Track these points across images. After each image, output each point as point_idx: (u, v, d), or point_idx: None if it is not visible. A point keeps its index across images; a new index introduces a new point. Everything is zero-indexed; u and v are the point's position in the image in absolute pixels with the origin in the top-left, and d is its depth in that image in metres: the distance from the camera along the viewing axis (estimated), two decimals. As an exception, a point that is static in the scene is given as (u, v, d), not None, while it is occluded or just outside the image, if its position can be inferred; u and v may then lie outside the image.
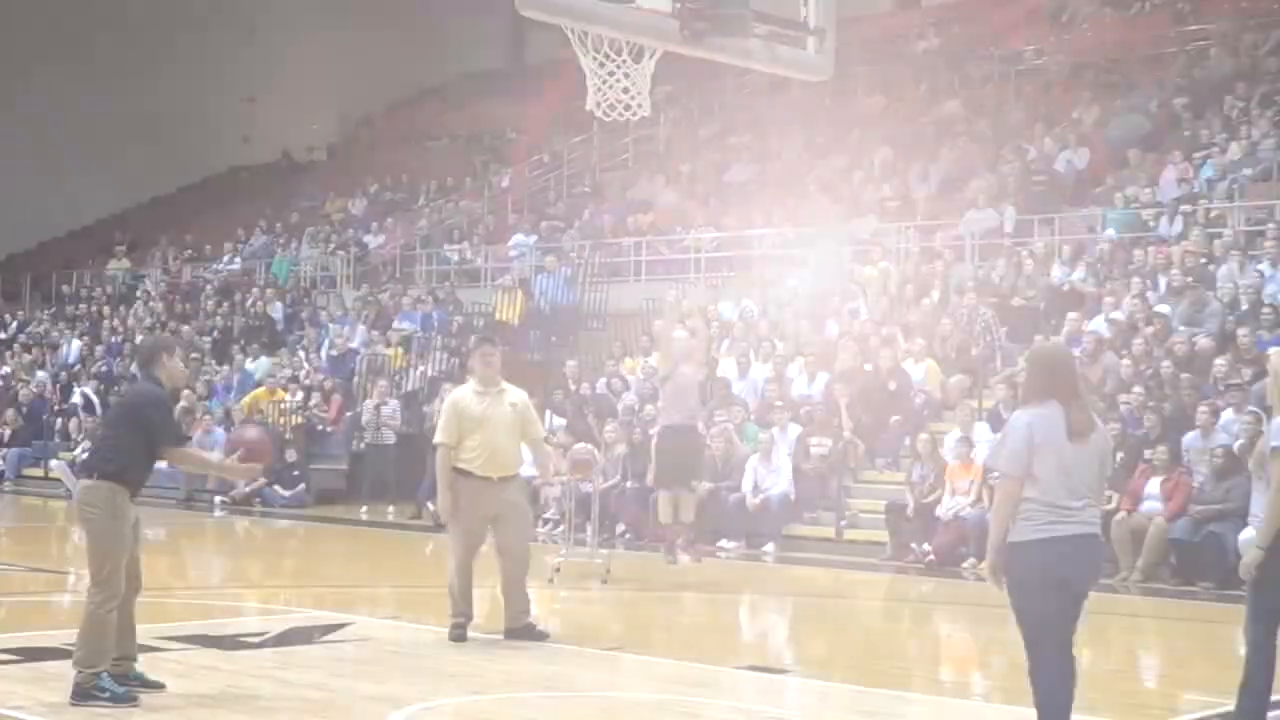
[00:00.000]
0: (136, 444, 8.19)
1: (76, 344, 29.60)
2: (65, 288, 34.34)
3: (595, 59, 8.61)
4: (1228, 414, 15.11)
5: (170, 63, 37.98)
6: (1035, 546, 6.60)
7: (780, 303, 21.67)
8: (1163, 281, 18.55)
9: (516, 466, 10.55)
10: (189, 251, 34.39)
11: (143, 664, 8.46)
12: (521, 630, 10.36)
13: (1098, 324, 18.02)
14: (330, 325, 26.70)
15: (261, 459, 9.28)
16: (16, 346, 30.33)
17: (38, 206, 37.04)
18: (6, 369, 29.02)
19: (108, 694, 7.95)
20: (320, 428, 23.45)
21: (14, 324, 32.04)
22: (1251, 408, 14.68)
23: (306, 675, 9.18)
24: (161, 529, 18.36)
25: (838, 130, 28.84)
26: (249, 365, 25.86)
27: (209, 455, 10.32)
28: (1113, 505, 14.58)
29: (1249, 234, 19.44)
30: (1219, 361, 16.17)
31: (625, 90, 8.73)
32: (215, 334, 28.20)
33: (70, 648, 8.28)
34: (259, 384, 24.67)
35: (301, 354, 26.00)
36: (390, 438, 22.27)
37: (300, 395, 23.97)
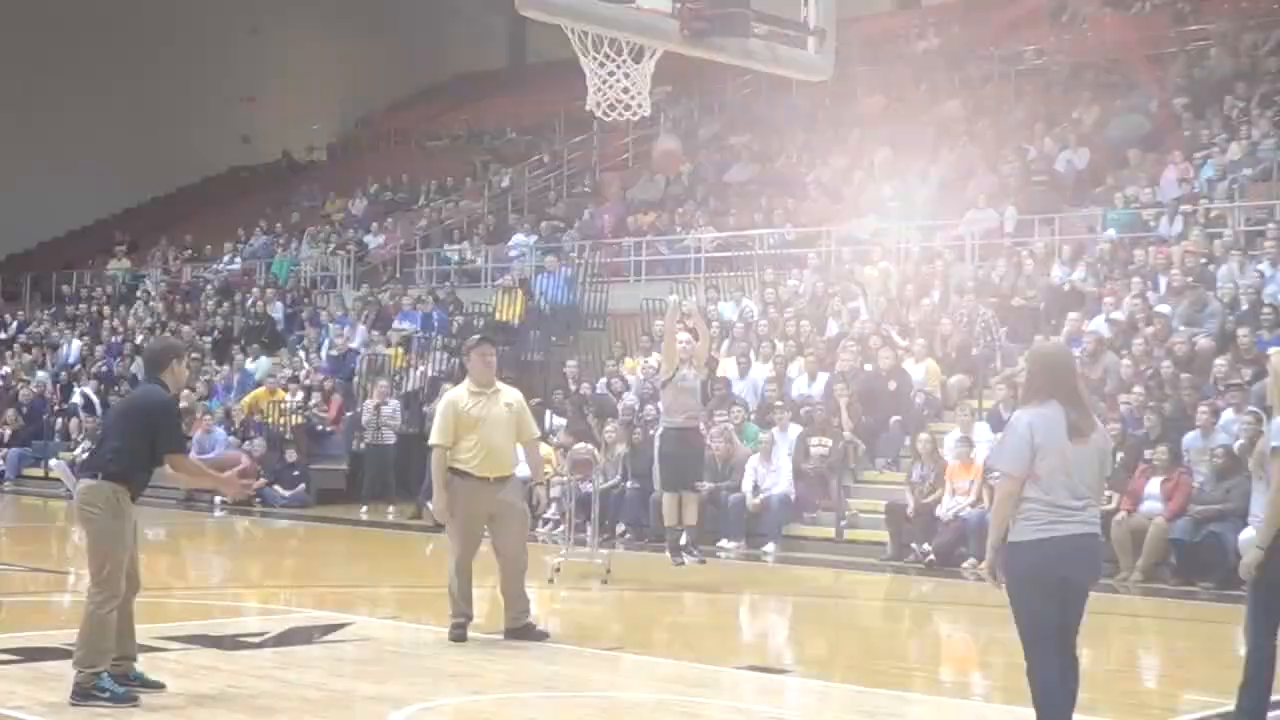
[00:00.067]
0: (141, 446, 8.20)
1: (76, 344, 29.61)
2: (65, 288, 34.34)
3: (595, 59, 8.60)
4: (1228, 414, 15.11)
5: (170, 63, 38.00)
6: (1035, 546, 6.60)
7: (780, 303, 21.66)
8: (1163, 281, 18.54)
9: (513, 466, 10.57)
10: (189, 251, 34.39)
11: (143, 664, 8.46)
12: (521, 630, 10.37)
13: (1098, 324, 18.01)
14: (330, 325, 26.69)
15: (248, 476, 9.35)
16: (16, 346, 30.33)
17: (38, 206, 37.03)
18: (6, 369, 29.02)
19: (108, 694, 7.95)
20: (320, 428, 23.45)
21: (14, 324, 32.04)
22: (1251, 408, 14.68)
23: (306, 675, 9.18)
24: (161, 529, 18.38)
25: (838, 130, 28.84)
26: (249, 365, 25.86)
27: (206, 467, 10.31)
28: (1113, 505, 14.59)
29: (1249, 234, 19.45)
30: (1219, 361, 16.17)
31: (625, 90, 8.73)
32: (215, 334, 28.20)
33: (70, 648, 8.29)
34: (259, 384, 24.68)
35: (301, 354, 26.00)
36: (390, 438, 22.26)
37: (300, 395, 23.97)
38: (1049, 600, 6.65)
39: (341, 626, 11.14)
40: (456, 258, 28.88)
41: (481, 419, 10.29)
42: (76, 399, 26.68)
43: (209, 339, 27.98)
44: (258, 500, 22.12)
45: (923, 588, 15.05)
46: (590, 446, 15.92)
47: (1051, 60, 28.23)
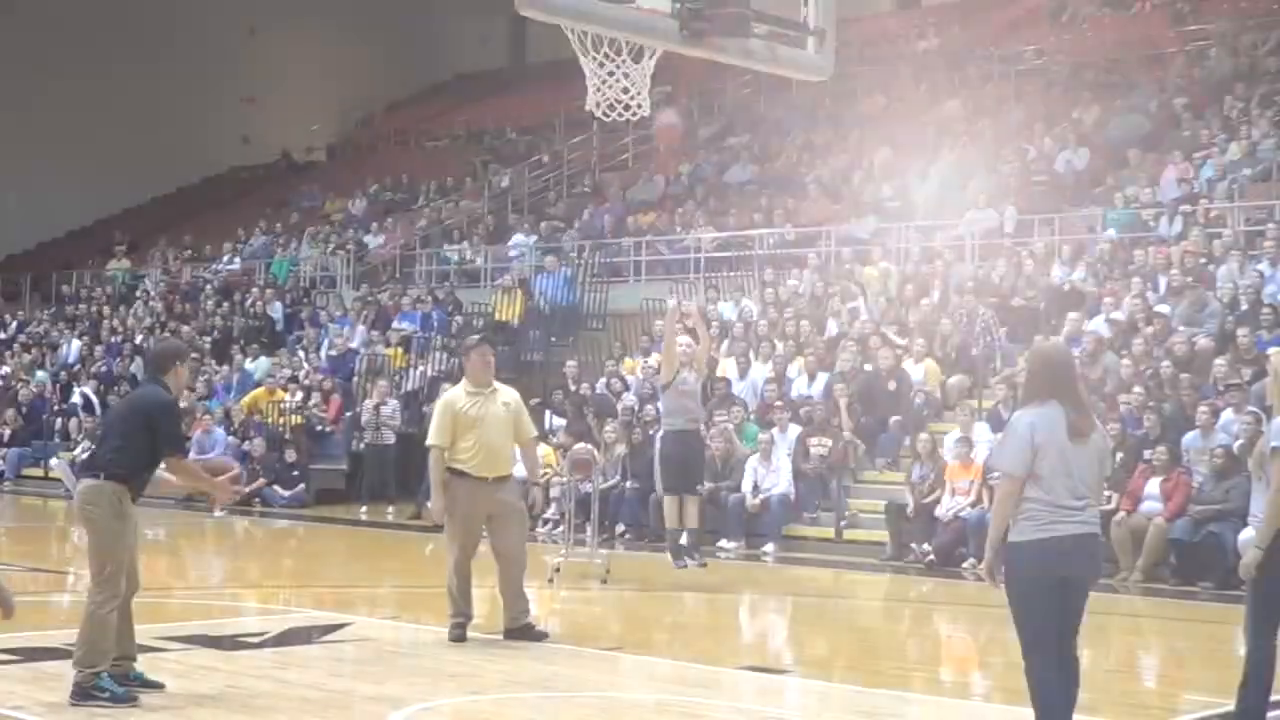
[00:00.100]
0: (143, 447, 8.21)
1: (76, 344, 29.60)
2: (65, 288, 34.33)
3: (595, 59, 8.60)
4: (1227, 414, 15.11)
5: (170, 63, 37.98)
6: (1036, 546, 6.60)
7: (780, 303, 21.66)
8: (1163, 281, 18.54)
9: (511, 466, 10.57)
10: (189, 252, 34.37)
11: (142, 664, 8.46)
12: (521, 630, 10.36)
13: (1098, 324, 18.01)
14: (330, 325, 26.69)
15: (236, 483, 9.38)
16: (16, 346, 30.32)
17: (37, 207, 37.03)
18: (6, 369, 29.00)
19: (107, 694, 7.95)
20: (320, 428, 23.44)
21: (14, 324, 32.03)
22: (1251, 408, 14.69)
23: (306, 675, 9.18)
24: (161, 529, 18.38)
25: (837, 130, 28.86)
26: (249, 365, 25.86)
27: (202, 471, 10.28)
28: (1112, 505, 14.59)
29: (1249, 234, 19.45)
30: (1219, 362, 16.17)
31: (625, 90, 8.73)
32: (215, 334, 28.19)
33: (69, 648, 8.29)
34: (258, 384, 24.68)
35: (301, 354, 26.00)
36: (390, 438, 22.27)
37: (300, 395, 23.96)
38: (1049, 601, 6.65)
39: (341, 627, 11.14)
40: (456, 258, 28.88)
41: (480, 419, 10.29)
42: (76, 399, 26.69)
43: (208, 339, 27.96)
44: (257, 501, 22.13)
45: (922, 588, 15.05)
46: (590, 447, 15.93)
47: (1051, 60, 28.24)
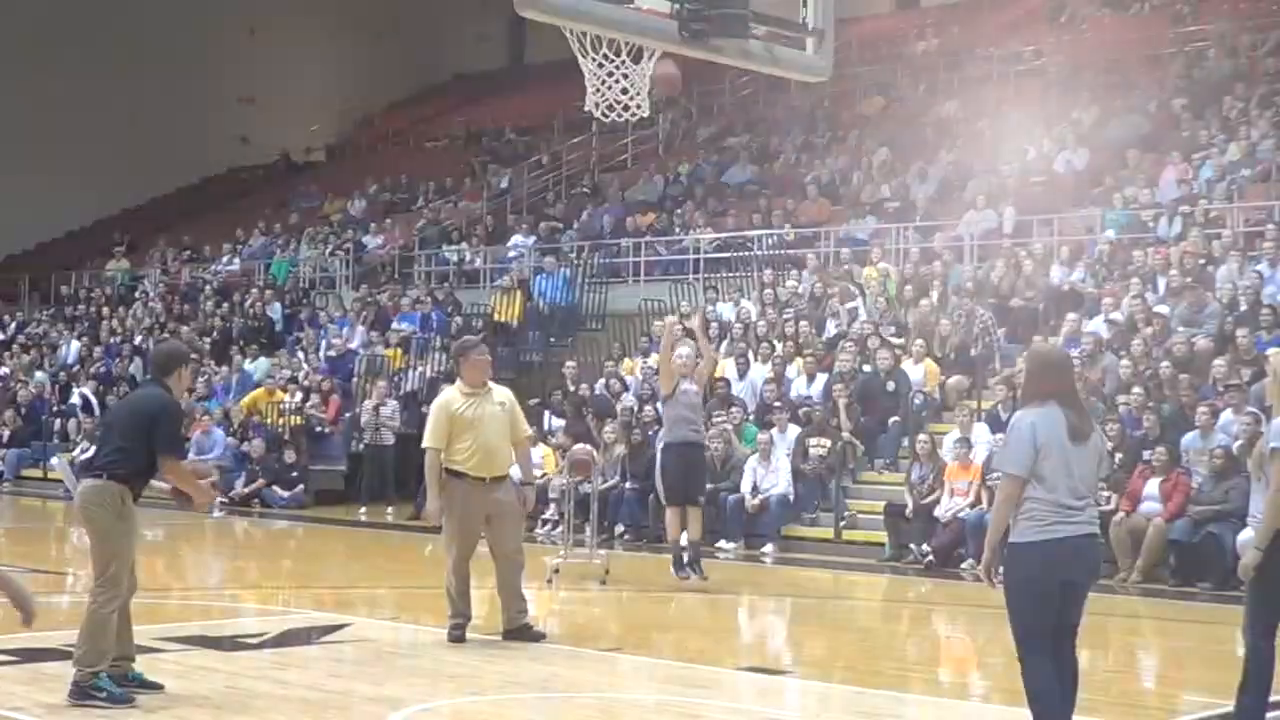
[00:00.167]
0: (144, 448, 8.21)
1: (75, 345, 29.59)
2: (64, 288, 34.32)
3: (594, 60, 8.60)
4: (1227, 415, 15.11)
5: (169, 63, 37.97)
6: (1038, 547, 6.61)
7: (779, 303, 21.65)
8: (1162, 282, 18.54)
9: (508, 466, 10.56)
10: (188, 252, 34.38)
11: (141, 665, 8.46)
12: (519, 631, 10.36)
13: (1097, 325, 18.01)
14: (329, 326, 26.68)
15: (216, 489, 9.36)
16: (15, 347, 30.31)
17: (36, 207, 37.02)
18: (5, 369, 29.00)
19: (105, 694, 7.95)
20: (319, 429, 23.43)
21: (13, 324, 32.02)
22: (1250, 408, 14.70)
23: (305, 676, 9.18)
24: (160, 529, 18.37)
25: (836, 131, 28.87)
26: (248, 366, 25.84)
27: (193, 475, 10.27)
28: (1112, 506, 14.59)
29: (1248, 235, 19.45)
30: (1218, 362, 16.16)
31: (624, 91, 8.73)
32: (214, 335, 28.18)
33: (69, 648, 8.29)
34: (258, 385, 24.67)
35: (300, 355, 25.99)
36: (389, 438, 22.26)
37: (299, 396, 23.95)
38: (1048, 603, 6.65)
39: (340, 627, 11.13)
40: (455, 258, 28.88)
41: (476, 420, 10.28)
42: (75, 400, 26.68)
43: (208, 340, 27.96)
44: (256, 501, 22.13)
45: (921, 588, 15.05)
46: (589, 447, 15.91)
47: (1050, 61, 28.27)
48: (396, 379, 23.83)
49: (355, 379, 24.34)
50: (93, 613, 8.06)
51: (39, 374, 28.46)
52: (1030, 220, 21.74)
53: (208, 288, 30.81)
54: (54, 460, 22.56)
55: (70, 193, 37.03)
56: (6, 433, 26.26)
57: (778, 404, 18.37)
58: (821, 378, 18.90)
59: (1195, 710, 8.86)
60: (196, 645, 10.16)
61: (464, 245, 29.27)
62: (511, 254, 27.57)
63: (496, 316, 25.09)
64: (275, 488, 22.19)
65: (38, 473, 25.13)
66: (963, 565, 15.42)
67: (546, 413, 20.55)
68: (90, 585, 8.21)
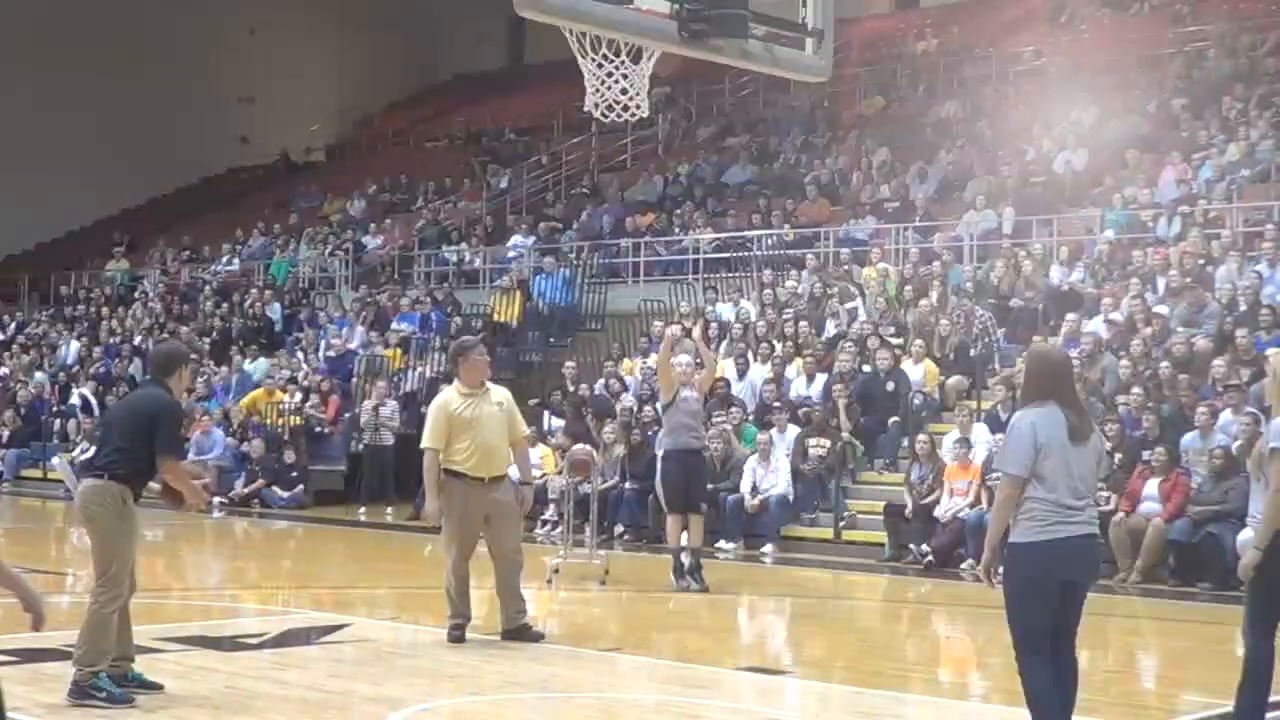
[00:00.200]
0: (144, 448, 8.21)
1: (75, 345, 29.58)
2: (64, 288, 34.32)
3: (594, 60, 8.60)
4: (1226, 415, 15.11)
5: (169, 63, 37.98)
6: (1038, 548, 6.61)
7: (778, 303, 21.66)
8: (1161, 282, 18.54)
9: (506, 466, 10.56)
10: (187, 252, 34.37)
11: (141, 665, 8.46)
12: (518, 631, 10.36)
13: (1096, 325, 18.01)
14: (328, 326, 26.68)
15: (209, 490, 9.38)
16: (15, 347, 30.31)
17: (36, 207, 37.02)
18: (5, 370, 29.00)
19: (105, 694, 7.96)
20: (319, 429, 23.43)
21: (12, 325, 32.02)
22: (1250, 409, 14.70)
23: (304, 676, 9.18)
24: (160, 530, 18.35)
25: (836, 131, 28.88)
26: (247, 366, 25.84)
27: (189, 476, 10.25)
28: (1111, 506, 14.59)
29: (1247, 235, 19.45)
30: (1217, 362, 16.17)
31: (624, 91, 8.73)
32: (214, 335, 28.18)
33: (69, 648, 8.29)
34: (257, 385, 24.66)
35: (300, 355, 25.99)
36: (389, 439, 22.26)
37: (299, 396, 23.95)
38: (1047, 603, 6.66)
39: (340, 628, 11.14)
40: (455, 259, 28.88)
41: (474, 420, 10.29)
42: (75, 400, 26.67)
43: (207, 340, 27.96)
44: (255, 502, 22.14)
45: (921, 589, 15.05)
46: (588, 448, 15.91)
47: (1050, 61, 28.27)
48: (396, 379, 23.83)
49: (355, 379, 24.34)
50: (93, 613, 8.06)
51: (39, 374, 28.47)
52: (1030, 220, 21.75)
53: (207, 288, 30.81)
54: (54, 460, 22.55)
55: (70, 193, 37.02)
56: (6, 433, 26.26)
57: (777, 404, 18.37)
58: (821, 378, 18.90)
59: (1195, 710, 8.87)
60: (196, 645, 10.17)
61: (463, 245, 29.28)
62: (511, 254, 27.57)
63: (496, 317, 25.10)
64: (275, 488, 22.19)
65: (38, 473, 25.12)
66: (962, 565, 15.42)
67: (546, 413, 20.55)
68: (91, 585, 8.21)
